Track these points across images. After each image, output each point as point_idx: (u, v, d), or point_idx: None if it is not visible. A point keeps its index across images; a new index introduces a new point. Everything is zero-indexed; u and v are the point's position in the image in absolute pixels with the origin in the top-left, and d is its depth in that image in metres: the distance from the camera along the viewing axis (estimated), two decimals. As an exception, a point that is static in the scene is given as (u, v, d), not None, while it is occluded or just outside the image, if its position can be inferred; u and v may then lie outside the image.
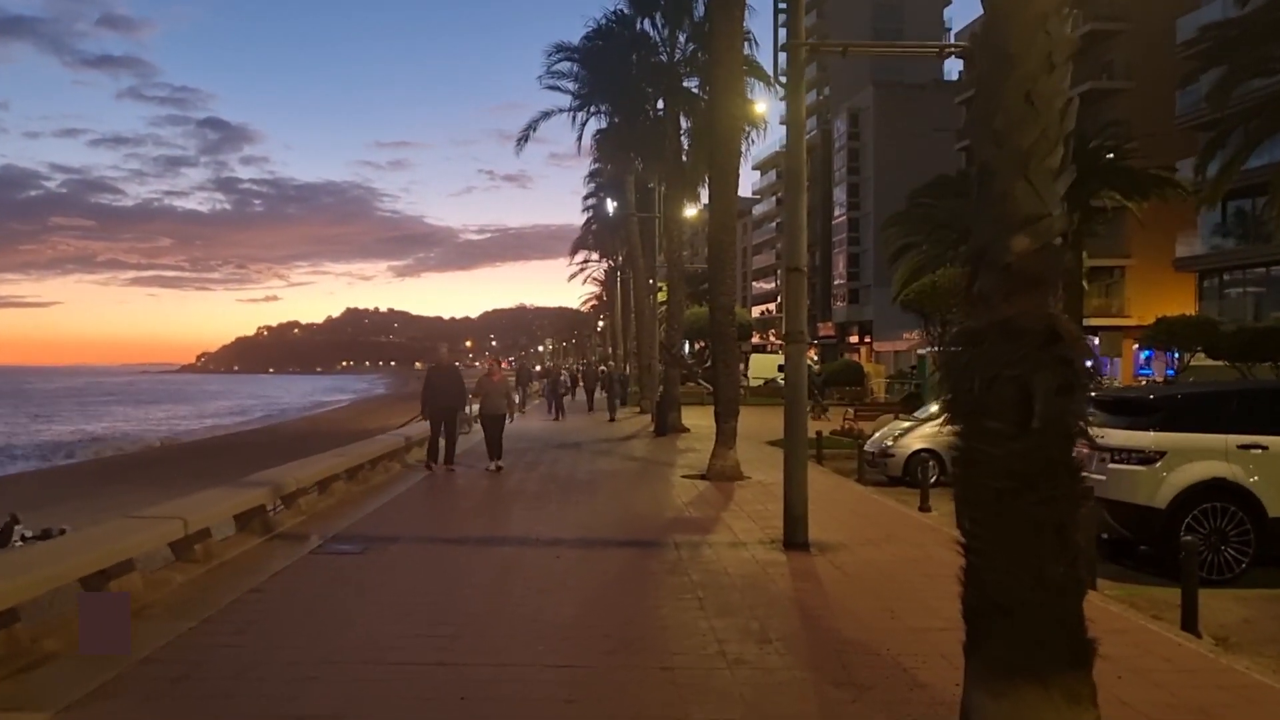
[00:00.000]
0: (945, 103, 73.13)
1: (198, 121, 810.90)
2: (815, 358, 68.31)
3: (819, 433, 18.90)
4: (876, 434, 17.24)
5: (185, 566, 7.68)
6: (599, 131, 26.96)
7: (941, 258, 37.43)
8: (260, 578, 7.68)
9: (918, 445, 15.77)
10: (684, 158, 25.34)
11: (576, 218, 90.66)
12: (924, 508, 12.64)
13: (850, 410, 23.86)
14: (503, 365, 16.59)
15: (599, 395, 37.93)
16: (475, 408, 17.76)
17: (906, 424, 16.85)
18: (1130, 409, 10.01)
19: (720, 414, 15.30)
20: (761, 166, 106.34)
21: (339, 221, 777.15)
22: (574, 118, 27.59)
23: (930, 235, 38.77)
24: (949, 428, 4.34)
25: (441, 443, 15.60)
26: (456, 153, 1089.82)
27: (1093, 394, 12.45)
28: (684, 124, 25.92)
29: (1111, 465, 9.10)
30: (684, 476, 15.36)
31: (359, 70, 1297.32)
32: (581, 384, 43.96)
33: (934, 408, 17.13)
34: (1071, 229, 32.02)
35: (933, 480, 15.56)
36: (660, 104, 25.98)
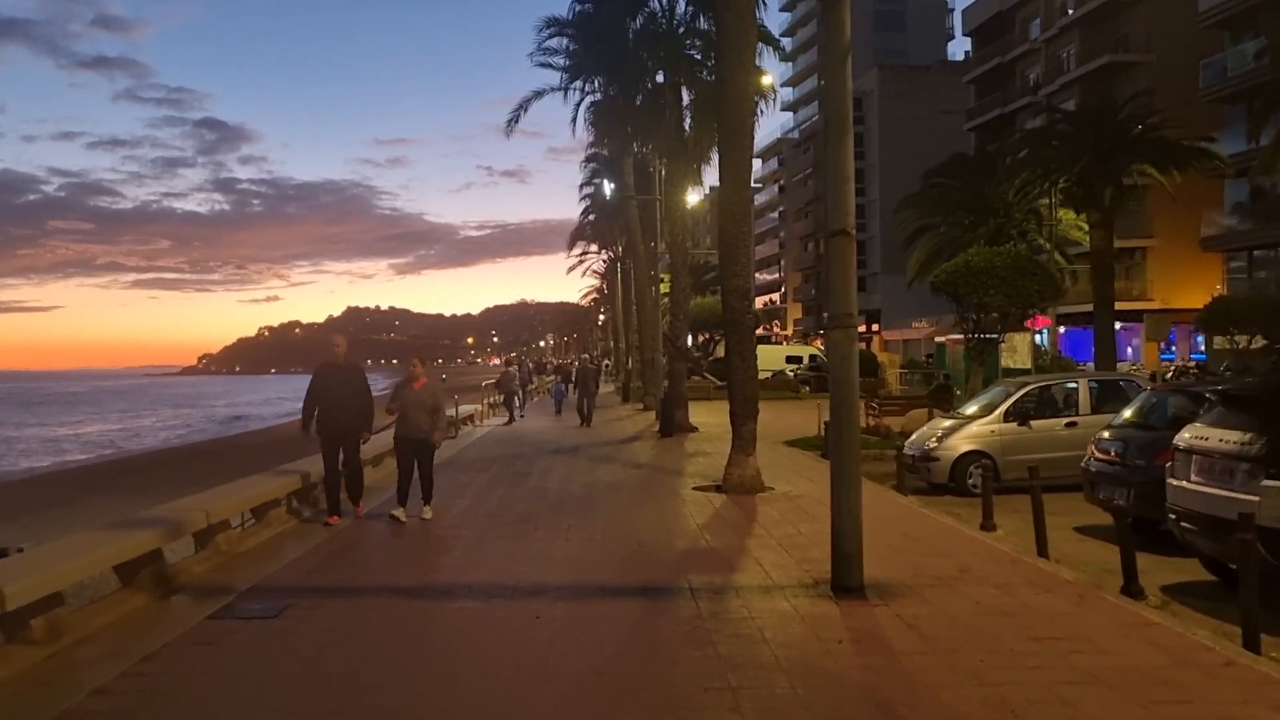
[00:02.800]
0: (951, 84, 70.82)
1: (194, 122, 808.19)
2: (821, 347, 66.05)
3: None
4: (915, 434, 15.07)
5: (13, 652, 5.53)
6: (594, 103, 24.77)
7: (960, 240, 35.32)
8: (118, 667, 5.52)
9: (966, 447, 13.62)
10: (686, 130, 23.14)
11: (576, 212, 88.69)
12: (987, 525, 10.50)
13: (875, 405, 21.68)
14: (422, 364, 11.02)
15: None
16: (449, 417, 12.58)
17: (949, 422, 14.68)
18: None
19: (737, 415, 13.14)
20: (762, 154, 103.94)
21: (338, 220, 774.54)
22: (566, 92, 25.42)
23: (948, 216, 36.56)
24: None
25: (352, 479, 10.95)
26: (455, 149, 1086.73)
27: (1195, 387, 10.28)
28: (686, 98, 23.74)
29: (1267, 482, 6.92)
30: (696, 489, 13.21)
31: (356, 67, 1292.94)
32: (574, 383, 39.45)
33: (973, 407, 14.96)
34: (1105, 207, 29.95)
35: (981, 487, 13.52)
36: (660, 76, 23.77)
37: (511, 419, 27.39)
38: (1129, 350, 48.16)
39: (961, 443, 13.65)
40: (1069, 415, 13.82)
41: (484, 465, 16.59)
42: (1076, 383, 14.15)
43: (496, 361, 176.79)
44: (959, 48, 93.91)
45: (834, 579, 7.46)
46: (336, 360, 10.79)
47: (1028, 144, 34.52)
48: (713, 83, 23.13)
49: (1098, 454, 10.56)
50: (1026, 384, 14.27)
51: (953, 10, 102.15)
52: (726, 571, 8.14)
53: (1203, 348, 48.24)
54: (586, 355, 36.94)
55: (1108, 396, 14.07)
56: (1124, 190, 30.81)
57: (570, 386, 30.80)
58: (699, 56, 22.73)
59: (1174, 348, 49.36)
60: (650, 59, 23.43)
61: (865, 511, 11.29)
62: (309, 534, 9.94)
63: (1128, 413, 10.89)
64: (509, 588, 7.51)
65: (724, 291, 13.56)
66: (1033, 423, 13.62)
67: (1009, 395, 14.06)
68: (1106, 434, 10.74)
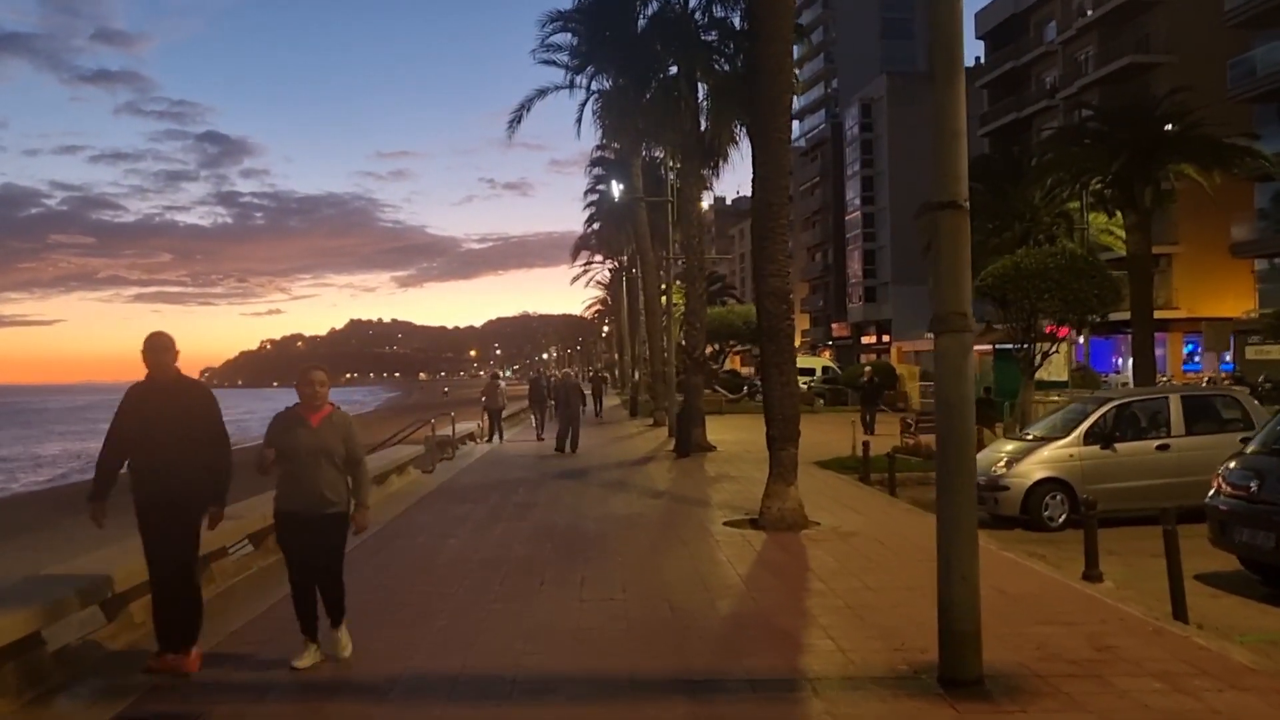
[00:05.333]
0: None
1: (197, 135, 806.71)
2: (833, 359, 64.17)
3: (891, 455, 14.88)
4: (979, 455, 13.14)
5: None
6: (602, 94, 23.02)
7: (984, 245, 33.55)
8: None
9: (1041, 474, 11.73)
10: (702, 125, 21.39)
11: (578, 225, 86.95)
12: (1091, 575, 8.58)
13: (911, 420, 19.82)
14: (315, 382, 5.81)
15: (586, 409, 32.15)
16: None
17: (1013, 445, 12.82)
18: None
19: (775, 437, 11.29)
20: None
21: (341, 233, 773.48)
22: (572, 87, 23.74)
23: (971, 221, 34.78)
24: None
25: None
26: (457, 161, 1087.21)
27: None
28: (702, 91, 21.98)
29: None
30: (727, 524, 11.34)
31: (358, 80, 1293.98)
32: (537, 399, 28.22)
33: (1041, 427, 13.10)
34: (1144, 209, 28.12)
35: (1059, 521, 11.68)
36: (673, 67, 22.01)
37: (498, 438, 25.32)
38: (1161, 358, 46.86)
39: (1035, 469, 11.76)
40: (1159, 436, 11.96)
41: (482, 493, 14.73)
42: (1166, 398, 12.25)
43: (507, 372, 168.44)
44: (969, 55, 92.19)
45: (944, 668, 5.58)
46: (160, 377, 5.83)
47: (1057, 144, 32.73)
48: (730, 73, 21.49)
49: (1229, 489, 8.68)
50: (1108, 400, 12.39)
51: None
52: (790, 651, 6.27)
53: (1229, 358, 46.44)
54: (570, 370, 33.17)
55: (1198, 414, 12.22)
56: (1161, 194, 29.08)
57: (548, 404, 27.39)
58: (716, 43, 21.02)
59: (1198, 358, 47.59)
60: (663, 48, 21.69)
61: (931, 552, 9.44)
62: (260, 591, 8.04)
63: (1261, 437, 9.02)
64: (506, 681, 5.62)
65: (758, 294, 11.71)
66: (1117, 445, 11.75)
67: (1086, 413, 12.18)
68: (1234, 464, 8.88)
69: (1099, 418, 11.90)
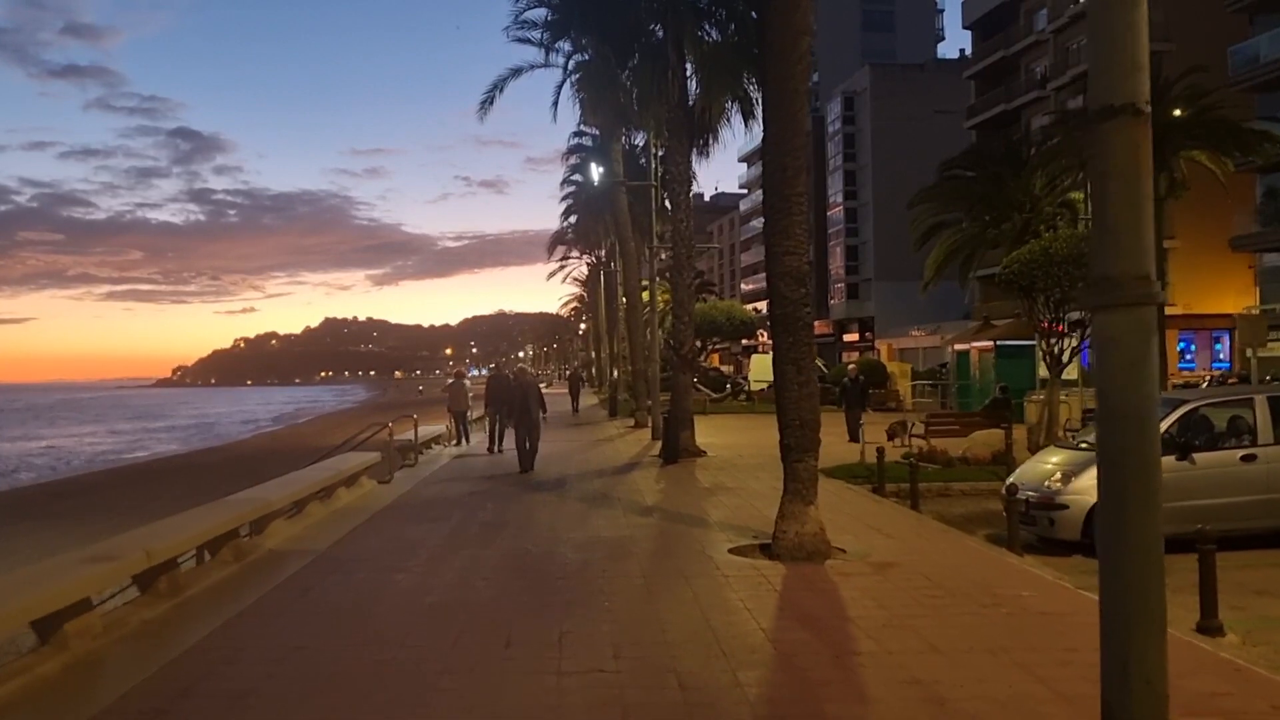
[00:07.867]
0: (945, 83, 68.04)
1: (168, 131, 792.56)
2: (820, 360, 62.45)
3: (913, 463, 12.99)
4: (1021, 468, 11.36)
5: None
6: (581, 64, 21.01)
7: (981, 237, 32.02)
8: None
9: (1105, 490, 9.86)
10: (691, 98, 19.49)
11: (555, 223, 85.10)
12: (1210, 626, 6.74)
13: (920, 423, 17.99)
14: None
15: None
16: None
17: (1061, 455, 10.98)
18: None
19: (791, 446, 9.38)
20: (748, 158, 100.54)
21: (315, 231, 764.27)
22: (548, 59, 21.70)
23: (970, 210, 33.05)
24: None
25: None
26: (433, 159, 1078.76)
27: None
28: (690, 67, 20.07)
29: None
30: (734, 551, 9.41)
31: (332, 76, 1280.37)
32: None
33: (1090, 436, 11.26)
34: (1157, 196, 26.60)
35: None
36: (660, 31, 20.07)
37: (464, 440, 23.22)
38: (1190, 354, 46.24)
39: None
40: (1242, 445, 10.16)
41: (444, 509, 12.72)
42: (1251, 400, 10.44)
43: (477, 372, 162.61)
44: (950, 49, 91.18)
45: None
46: None
47: (1062, 129, 31.09)
48: (721, 43, 19.65)
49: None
50: (1181, 402, 10.56)
51: (942, 11, 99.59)
52: (863, 768, 4.34)
53: (1222, 356, 45.17)
54: (523, 366, 27.31)
55: (1282, 417, 10.44)
56: (1174, 183, 27.57)
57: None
58: (706, 7, 19.12)
59: (1190, 355, 46.39)
60: (647, 12, 19.74)
61: (988, 592, 7.57)
62: (193, 617, 6.00)
63: None
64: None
65: (770, 275, 9.77)
66: (1195, 455, 9.94)
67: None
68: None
69: (1173, 423, 10.06)
